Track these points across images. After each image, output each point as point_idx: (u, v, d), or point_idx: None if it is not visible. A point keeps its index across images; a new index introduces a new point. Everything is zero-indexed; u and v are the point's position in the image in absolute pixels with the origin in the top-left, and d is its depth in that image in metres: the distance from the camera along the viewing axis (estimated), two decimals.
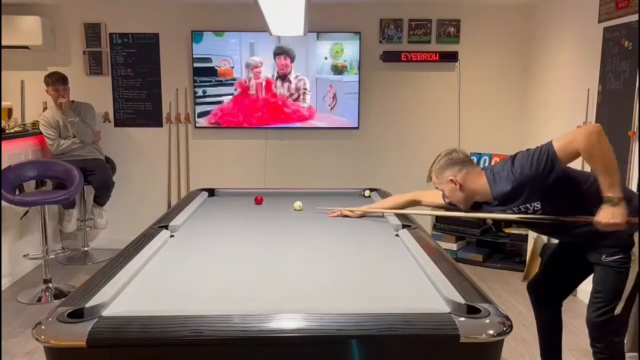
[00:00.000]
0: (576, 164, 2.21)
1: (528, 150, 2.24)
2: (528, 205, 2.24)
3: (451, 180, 2.36)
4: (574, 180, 2.22)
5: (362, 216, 2.89)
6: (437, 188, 2.48)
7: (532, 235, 4.37)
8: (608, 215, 2.07)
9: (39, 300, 3.91)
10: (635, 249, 2.16)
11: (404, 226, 2.61)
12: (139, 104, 5.07)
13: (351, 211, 2.90)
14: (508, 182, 2.23)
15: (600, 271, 2.25)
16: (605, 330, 2.23)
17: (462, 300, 1.64)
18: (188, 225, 2.73)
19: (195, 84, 4.95)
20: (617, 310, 2.20)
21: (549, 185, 2.16)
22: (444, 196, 2.50)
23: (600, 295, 2.24)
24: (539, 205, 2.22)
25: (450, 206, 2.54)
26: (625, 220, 2.07)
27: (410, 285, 1.93)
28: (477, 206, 2.43)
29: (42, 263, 4.06)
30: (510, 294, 4.03)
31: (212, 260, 2.22)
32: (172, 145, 5.16)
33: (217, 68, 4.91)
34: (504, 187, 2.24)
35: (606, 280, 2.22)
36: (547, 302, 2.57)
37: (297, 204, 3.07)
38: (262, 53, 4.91)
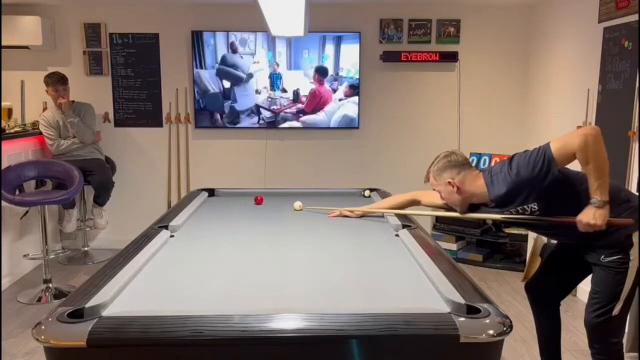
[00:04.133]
0: (575, 166, 2.20)
1: (526, 151, 2.24)
2: (525, 207, 2.24)
3: (449, 182, 2.37)
4: (571, 181, 2.22)
5: (362, 216, 2.89)
6: (434, 189, 2.49)
7: (532, 235, 4.37)
8: (589, 216, 2.10)
9: (39, 300, 3.91)
10: (633, 250, 2.16)
11: (404, 226, 2.61)
12: (139, 104, 5.07)
13: (351, 211, 2.90)
14: (505, 184, 2.23)
15: (599, 272, 2.25)
16: (603, 331, 2.24)
17: (462, 300, 1.64)
18: (188, 225, 2.73)
19: None
20: (615, 311, 2.20)
21: (546, 186, 2.16)
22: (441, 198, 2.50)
23: (598, 295, 2.24)
24: (536, 207, 2.23)
25: (448, 207, 2.54)
26: (605, 222, 2.09)
27: (410, 285, 1.93)
28: (474, 207, 2.44)
29: (42, 263, 4.06)
30: (510, 294, 4.03)
31: (212, 260, 2.22)
32: (172, 145, 5.16)
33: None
34: (501, 189, 2.25)
35: (605, 280, 2.22)
36: (545, 302, 2.57)
37: (297, 204, 3.07)
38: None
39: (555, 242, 2.71)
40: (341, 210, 2.91)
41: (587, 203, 2.14)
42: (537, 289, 2.58)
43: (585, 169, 2.11)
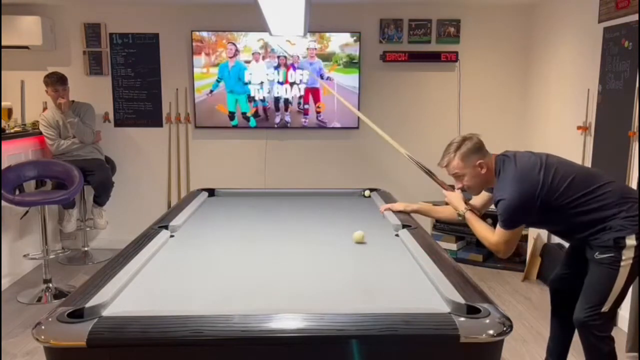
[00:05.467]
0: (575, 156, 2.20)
1: (506, 214, 2.29)
2: None
3: (479, 164, 2.36)
4: (553, 212, 2.30)
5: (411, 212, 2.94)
6: (455, 173, 2.41)
7: (532, 235, 4.37)
8: (451, 198, 2.58)
9: (39, 300, 3.91)
10: (627, 251, 2.19)
11: (404, 226, 2.62)
12: (139, 104, 5.07)
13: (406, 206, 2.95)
14: (496, 196, 2.36)
15: (593, 267, 2.28)
16: (589, 326, 2.25)
17: (462, 300, 1.65)
18: (188, 225, 2.73)
19: None
20: (605, 308, 2.23)
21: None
22: (457, 182, 2.47)
23: (589, 292, 2.27)
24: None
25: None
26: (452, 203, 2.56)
27: (410, 285, 1.93)
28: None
29: (42, 263, 4.06)
30: (510, 294, 4.04)
31: (212, 260, 2.22)
32: (172, 145, 5.16)
33: None
34: (496, 195, 2.36)
35: (597, 277, 2.25)
36: (564, 297, 2.54)
37: (359, 235, 2.48)
38: None
39: (556, 241, 2.72)
40: (392, 205, 2.97)
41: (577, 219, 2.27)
42: (557, 282, 2.59)
43: (477, 225, 2.46)
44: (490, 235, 2.38)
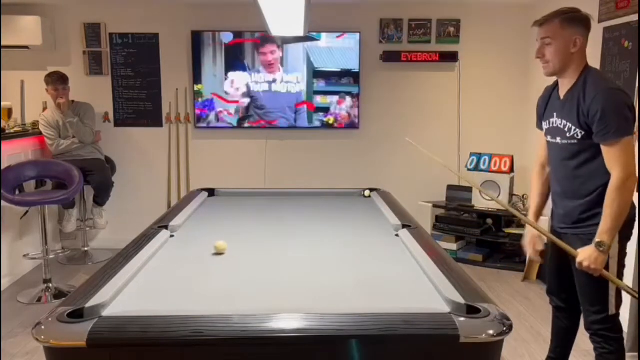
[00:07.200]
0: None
1: (614, 113, 2.01)
2: (574, 128, 2.13)
3: (575, 40, 2.12)
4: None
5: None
6: (544, 37, 2.15)
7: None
8: (591, 258, 2.05)
9: (39, 300, 3.91)
10: (612, 247, 2.10)
11: (404, 226, 2.61)
12: (139, 104, 5.08)
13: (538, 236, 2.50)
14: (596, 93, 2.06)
15: (580, 274, 2.19)
16: (603, 332, 2.23)
17: (462, 300, 1.65)
18: (188, 225, 2.73)
19: None
20: (611, 311, 2.19)
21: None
22: (538, 51, 2.19)
23: (587, 301, 2.23)
24: (578, 135, 2.12)
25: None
26: (600, 269, 2.05)
27: (410, 285, 1.93)
28: (547, 97, 2.30)
29: (42, 263, 4.06)
30: (510, 294, 4.04)
31: (212, 260, 2.22)
32: (172, 145, 5.16)
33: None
34: (595, 94, 2.05)
35: (588, 283, 2.18)
36: (566, 302, 2.48)
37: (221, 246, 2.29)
38: None
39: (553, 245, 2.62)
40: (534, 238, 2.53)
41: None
42: (551, 289, 2.53)
43: (606, 208, 2.01)
44: (613, 181, 1.99)
